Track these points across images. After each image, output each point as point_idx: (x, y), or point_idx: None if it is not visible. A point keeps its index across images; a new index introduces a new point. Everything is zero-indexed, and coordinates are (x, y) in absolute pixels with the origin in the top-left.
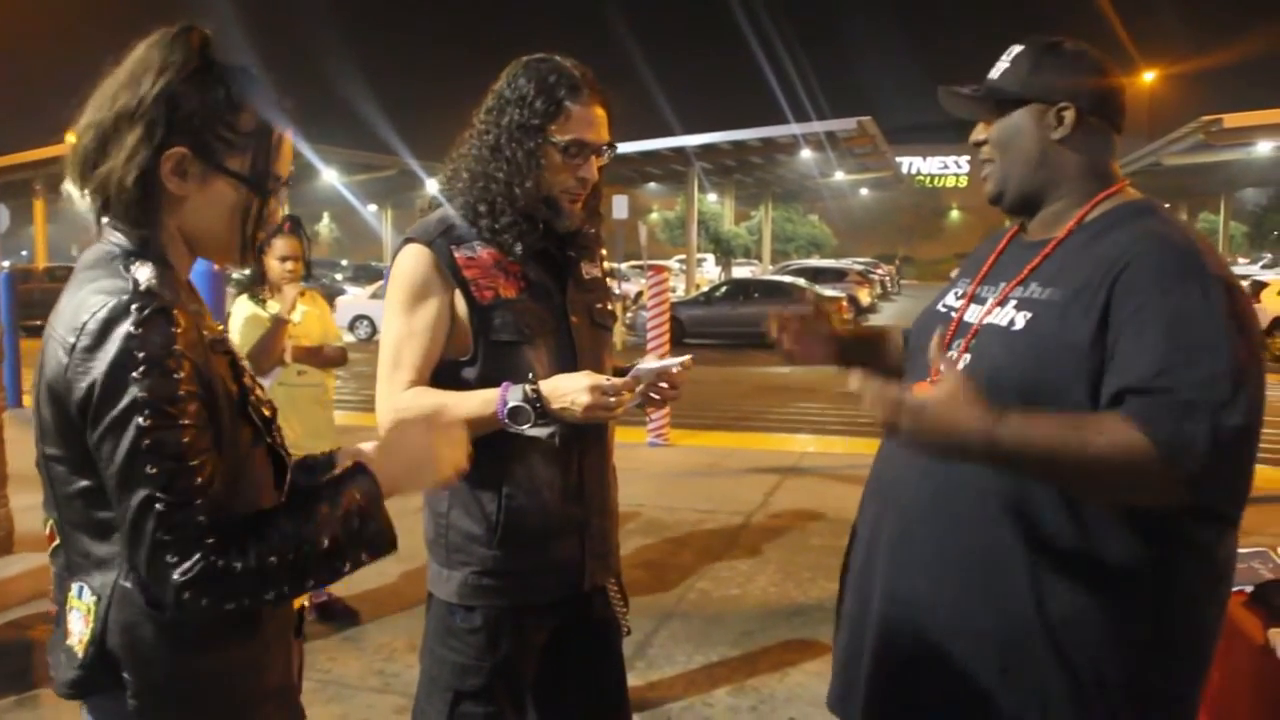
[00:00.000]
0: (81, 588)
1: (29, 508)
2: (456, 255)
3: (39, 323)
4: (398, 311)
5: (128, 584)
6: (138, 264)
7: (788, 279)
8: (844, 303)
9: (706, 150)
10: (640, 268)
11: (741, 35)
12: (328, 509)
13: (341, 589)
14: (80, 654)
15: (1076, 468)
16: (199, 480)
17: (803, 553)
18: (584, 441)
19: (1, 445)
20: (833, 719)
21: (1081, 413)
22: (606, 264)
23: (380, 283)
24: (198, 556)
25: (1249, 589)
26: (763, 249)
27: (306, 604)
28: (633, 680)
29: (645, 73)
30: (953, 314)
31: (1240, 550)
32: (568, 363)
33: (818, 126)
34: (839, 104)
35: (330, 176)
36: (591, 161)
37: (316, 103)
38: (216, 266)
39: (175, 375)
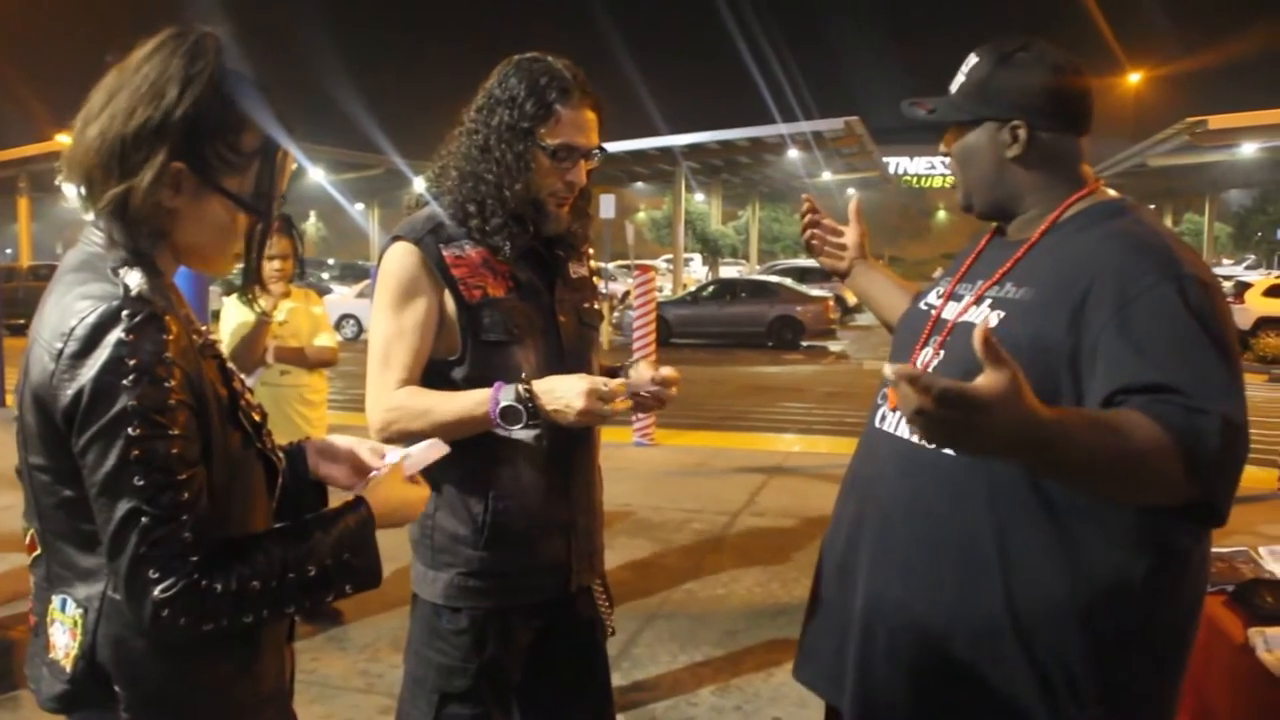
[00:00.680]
0: (65, 600)
1: (8, 507)
2: (445, 254)
3: (23, 321)
4: (386, 310)
5: (117, 596)
6: (127, 268)
7: (774, 278)
8: (830, 302)
9: (693, 150)
10: (627, 267)
11: (729, 35)
12: (320, 536)
13: None
14: (68, 668)
15: (1112, 464)
16: (186, 495)
17: (788, 553)
18: (570, 442)
19: None
20: None
21: (1098, 410)
22: (593, 263)
23: (367, 282)
24: (180, 574)
25: (1229, 588)
26: (750, 248)
27: None
28: (618, 680)
29: (632, 72)
30: (932, 312)
31: (1221, 549)
32: (555, 362)
33: (805, 126)
34: (826, 104)
35: (317, 175)
36: (580, 165)
37: (303, 101)
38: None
39: (166, 384)
